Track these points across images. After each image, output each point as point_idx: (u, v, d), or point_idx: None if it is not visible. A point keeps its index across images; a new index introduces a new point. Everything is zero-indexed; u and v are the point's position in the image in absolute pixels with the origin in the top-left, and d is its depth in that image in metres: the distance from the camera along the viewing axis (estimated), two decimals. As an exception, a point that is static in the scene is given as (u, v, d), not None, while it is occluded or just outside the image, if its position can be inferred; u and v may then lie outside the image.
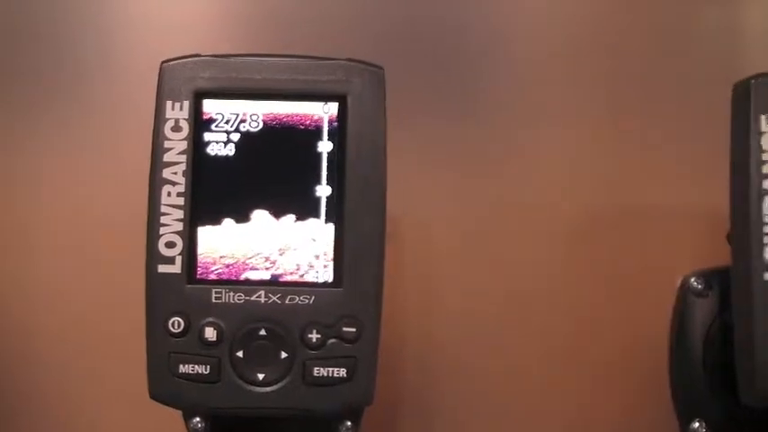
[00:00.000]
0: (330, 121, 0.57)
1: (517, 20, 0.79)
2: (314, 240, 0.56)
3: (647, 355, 0.72)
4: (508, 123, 0.77)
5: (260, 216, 0.56)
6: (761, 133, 0.57)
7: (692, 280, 0.68)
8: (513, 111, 0.77)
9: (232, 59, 0.57)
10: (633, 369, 0.75)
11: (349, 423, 0.61)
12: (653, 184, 0.76)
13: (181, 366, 0.55)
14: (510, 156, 0.77)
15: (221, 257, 0.56)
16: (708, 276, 0.68)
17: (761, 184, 0.56)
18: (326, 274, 0.56)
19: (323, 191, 0.57)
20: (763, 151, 0.57)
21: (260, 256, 0.56)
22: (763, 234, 0.56)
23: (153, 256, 0.55)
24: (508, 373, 0.75)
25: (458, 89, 0.78)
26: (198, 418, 0.59)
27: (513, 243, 0.76)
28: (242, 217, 0.56)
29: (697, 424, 0.67)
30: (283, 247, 0.56)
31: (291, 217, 0.56)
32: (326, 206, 0.56)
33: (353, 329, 0.55)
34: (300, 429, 0.62)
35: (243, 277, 0.56)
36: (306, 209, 0.56)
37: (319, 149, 0.57)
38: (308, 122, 0.57)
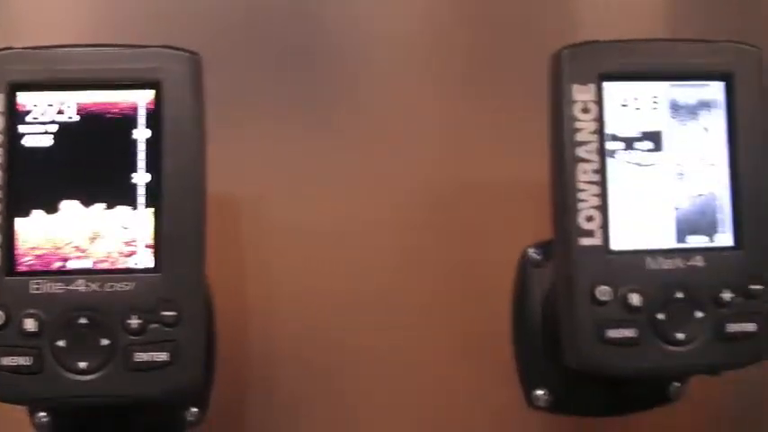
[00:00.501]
0: (147, 109, 0.57)
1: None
2: (125, 228, 0.56)
3: (495, 327, 0.71)
4: (347, 100, 0.76)
5: (69, 206, 0.56)
6: (573, 102, 0.59)
7: (531, 251, 0.70)
8: (352, 88, 0.77)
9: (45, 51, 0.56)
10: (482, 341, 0.74)
11: (195, 409, 0.65)
12: (496, 160, 0.74)
13: (3, 359, 0.54)
14: (350, 131, 0.76)
15: (33, 249, 0.56)
16: (546, 247, 0.68)
17: (574, 151, 0.59)
18: (147, 261, 0.56)
19: (140, 178, 0.56)
20: (575, 120, 0.59)
21: (70, 245, 0.56)
22: (577, 200, 0.58)
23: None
24: (356, 350, 0.74)
25: (299, 62, 0.76)
26: (43, 413, 0.60)
27: (354, 219, 0.75)
28: (51, 208, 0.56)
29: (540, 392, 0.70)
30: (93, 236, 0.56)
31: (102, 205, 0.56)
32: (145, 192, 0.56)
33: (173, 313, 0.55)
34: (149, 418, 0.64)
35: (62, 267, 0.56)
36: (118, 196, 0.56)
37: (135, 137, 0.57)
38: (123, 110, 0.57)
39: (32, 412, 0.61)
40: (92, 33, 0.71)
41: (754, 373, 0.63)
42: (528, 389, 0.70)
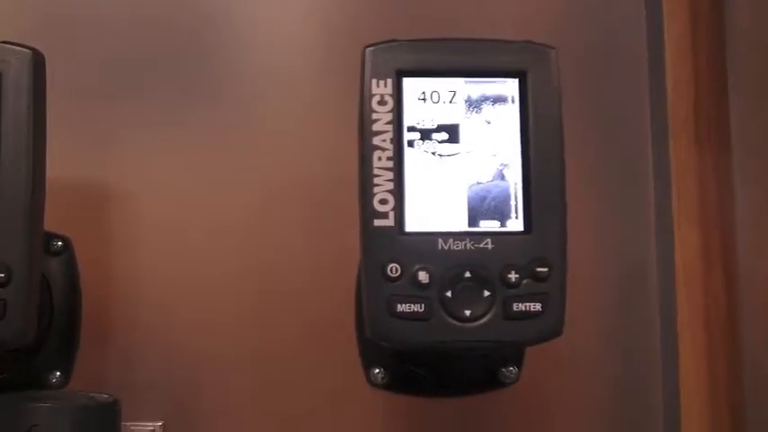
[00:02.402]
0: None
1: None
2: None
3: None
4: (231, 97, 0.83)
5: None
6: (372, 95, 0.64)
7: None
8: (231, 84, 0.83)
9: None
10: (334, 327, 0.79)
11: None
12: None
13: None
14: (225, 127, 0.83)
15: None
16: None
17: (371, 140, 0.64)
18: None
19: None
20: (373, 111, 0.64)
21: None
22: (373, 185, 0.63)
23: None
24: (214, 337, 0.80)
25: (179, 59, 0.83)
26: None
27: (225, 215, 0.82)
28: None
29: (376, 370, 0.75)
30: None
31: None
32: None
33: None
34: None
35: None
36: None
37: None
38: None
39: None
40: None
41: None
42: (366, 367, 0.75)
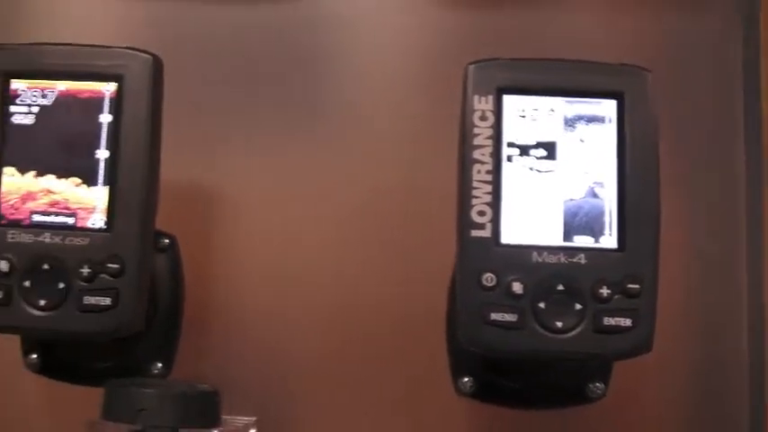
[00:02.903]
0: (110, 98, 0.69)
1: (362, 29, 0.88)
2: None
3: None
4: (333, 111, 0.87)
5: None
6: (473, 111, 0.67)
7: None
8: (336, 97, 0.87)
9: (33, 47, 0.70)
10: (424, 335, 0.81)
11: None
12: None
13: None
14: (331, 139, 0.86)
15: None
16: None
17: (471, 153, 0.66)
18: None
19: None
20: (474, 126, 0.66)
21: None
22: (471, 197, 0.66)
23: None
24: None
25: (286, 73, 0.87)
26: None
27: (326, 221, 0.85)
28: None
29: (465, 379, 0.75)
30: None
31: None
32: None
33: None
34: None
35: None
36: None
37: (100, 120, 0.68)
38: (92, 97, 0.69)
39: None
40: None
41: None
42: (455, 376, 0.76)
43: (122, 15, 0.88)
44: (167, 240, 0.79)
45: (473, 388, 0.76)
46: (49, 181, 0.69)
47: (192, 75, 0.85)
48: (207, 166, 0.85)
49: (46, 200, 0.69)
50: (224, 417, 0.71)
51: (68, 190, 0.69)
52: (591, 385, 0.75)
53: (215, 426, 0.68)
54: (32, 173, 0.69)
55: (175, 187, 0.78)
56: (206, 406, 0.68)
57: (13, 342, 0.77)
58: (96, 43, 0.71)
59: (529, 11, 0.87)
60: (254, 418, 0.75)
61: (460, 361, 0.76)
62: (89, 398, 0.70)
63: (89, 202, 0.69)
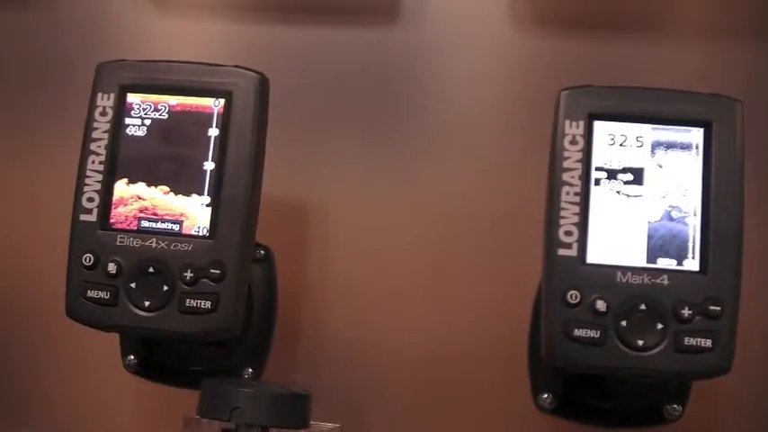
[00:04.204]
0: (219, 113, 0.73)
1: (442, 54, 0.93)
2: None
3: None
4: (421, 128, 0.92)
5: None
6: (564, 135, 0.69)
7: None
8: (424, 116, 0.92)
9: (148, 63, 0.75)
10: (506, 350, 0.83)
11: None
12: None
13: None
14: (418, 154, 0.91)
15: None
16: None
17: (561, 176, 0.69)
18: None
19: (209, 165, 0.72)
20: (564, 149, 0.69)
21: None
22: (559, 217, 0.68)
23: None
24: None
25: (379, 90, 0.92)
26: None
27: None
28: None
29: (545, 395, 0.77)
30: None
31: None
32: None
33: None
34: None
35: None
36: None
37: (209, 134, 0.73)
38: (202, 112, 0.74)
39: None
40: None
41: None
42: (535, 392, 0.78)
43: (231, 36, 0.92)
44: (263, 251, 0.82)
45: (552, 404, 0.77)
46: (158, 189, 0.74)
47: (293, 92, 0.90)
48: (304, 181, 0.90)
49: (153, 207, 0.73)
50: (312, 422, 0.74)
51: (175, 199, 0.73)
52: (668, 406, 0.76)
53: (305, 427, 0.71)
54: (143, 182, 0.74)
55: (273, 200, 0.82)
56: (297, 407, 0.71)
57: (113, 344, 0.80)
58: (206, 61, 0.75)
59: (620, 40, 0.89)
60: (338, 425, 0.78)
61: (541, 377, 0.78)
62: (182, 398, 0.73)
63: (194, 211, 0.73)
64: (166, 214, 0.73)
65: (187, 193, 0.73)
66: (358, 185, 0.90)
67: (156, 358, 0.81)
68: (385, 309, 0.87)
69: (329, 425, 0.78)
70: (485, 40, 0.92)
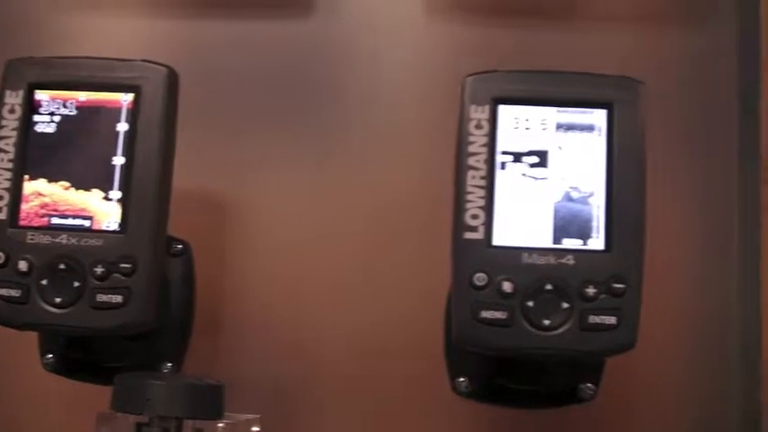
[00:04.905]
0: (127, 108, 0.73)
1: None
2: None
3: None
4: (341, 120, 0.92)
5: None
6: (469, 120, 0.70)
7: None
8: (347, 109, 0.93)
9: (57, 59, 0.75)
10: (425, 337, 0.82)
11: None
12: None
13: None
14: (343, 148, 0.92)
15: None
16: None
17: (466, 160, 0.70)
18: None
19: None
20: (470, 134, 0.70)
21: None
22: (466, 201, 0.69)
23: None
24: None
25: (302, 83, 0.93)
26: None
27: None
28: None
29: (462, 379, 0.77)
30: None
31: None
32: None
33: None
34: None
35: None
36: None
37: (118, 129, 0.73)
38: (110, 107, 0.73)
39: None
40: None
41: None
42: (452, 376, 0.79)
43: (143, 32, 0.93)
44: (181, 246, 0.82)
45: (469, 388, 0.78)
46: (67, 186, 0.73)
47: (210, 88, 0.90)
48: (223, 175, 0.90)
49: (63, 204, 0.73)
50: (230, 414, 0.74)
51: (85, 195, 0.73)
52: (582, 386, 0.77)
53: (219, 418, 0.71)
54: (44, 178, 0.74)
55: (193, 195, 0.82)
56: (211, 398, 0.71)
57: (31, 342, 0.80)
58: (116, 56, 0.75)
59: (534, 27, 0.90)
60: (258, 415, 0.78)
61: (457, 361, 0.79)
62: (103, 395, 0.73)
63: (104, 206, 0.73)
64: (68, 210, 0.73)
65: (89, 188, 0.73)
66: (277, 178, 0.90)
67: (75, 356, 0.80)
68: (305, 301, 0.88)
69: (249, 416, 0.78)
70: (400, 29, 0.92)
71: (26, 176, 0.74)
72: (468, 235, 0.70)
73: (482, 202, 0.70)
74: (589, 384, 0.78)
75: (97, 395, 0.75)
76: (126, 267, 0.71)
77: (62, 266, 0.72)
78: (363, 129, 0.91)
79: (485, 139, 0.71)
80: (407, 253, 0.88)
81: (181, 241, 0.83)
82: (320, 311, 0.88)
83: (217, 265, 0.88)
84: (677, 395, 0.86)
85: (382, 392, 0.87)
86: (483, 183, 0.70)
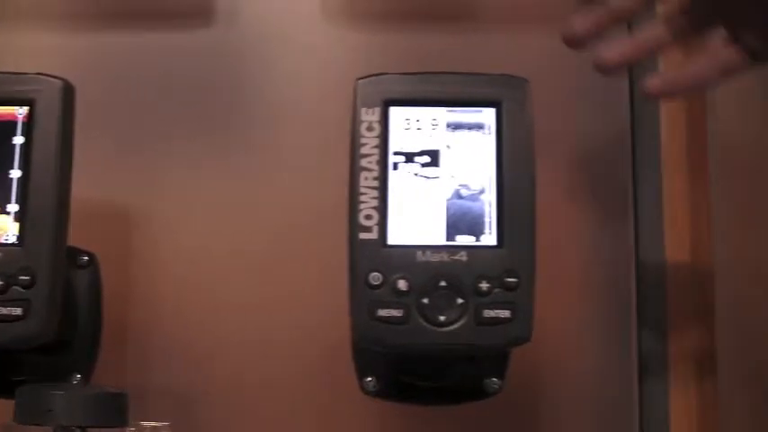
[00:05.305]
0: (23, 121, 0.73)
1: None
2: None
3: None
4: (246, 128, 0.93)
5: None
6: (361, 122, 0.71)
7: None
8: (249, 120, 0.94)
9: None
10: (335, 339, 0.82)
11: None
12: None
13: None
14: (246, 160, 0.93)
15: None
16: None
17: (359, 162, 0.71)
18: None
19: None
20: (362, 136, 0.71)
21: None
22: (359, 202, 0.70)
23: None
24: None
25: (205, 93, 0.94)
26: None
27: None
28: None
29: (369, 379, 0.79)
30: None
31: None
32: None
33: None
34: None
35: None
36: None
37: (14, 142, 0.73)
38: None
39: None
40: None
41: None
42: (360, 376, 0.80)
43: (39, 44, 0.93)
44: (86, 257, 0.83)
45: (377, 387, 0.79)
46: (-36, 200, 0.73)
47: (112, 98, 0.92)
48: (128, 186, 0.90)
49: (-39, 218, 0.73)
50: (138, 422, 0.75)
51: (-17, 208, 0.73)
52: (487, 380, 0.78)
53: (123, 426, 0.71)
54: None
55: (97, 207, 0.82)
56: (114, 407, 0.71)
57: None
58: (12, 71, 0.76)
59: (430, 30, 0.92)
60: (167, 423, 0.78)
61: (364, 362, 0.80)
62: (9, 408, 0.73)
63: (2, 220, 0.73)
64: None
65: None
66: (181, 186, 0.91)
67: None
68: (214, 308, 0.88)
69: (157, 423, 0.78)
70: (299, 35, 0.94)
71: None
72: (363, 235, 0.71)
73: (375, 203, 0.71)
74: (494, 378, 0.79)
75: (2, 409, 0.75)
76: (25, 280, 0.71)
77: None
78: (265, 135, 0.92)
79: (376, 141, 0.72)
80: (316, 258, 0.88)
81: (87, 253, 0.83)
82: (229, 318, 0.88)
83: (124, 276, 0.88)
84: (582, 380, 0.88)
85: (293, 397, 0.87)
86: (376, 183, 0.71)
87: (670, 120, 0.91)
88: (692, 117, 0.91)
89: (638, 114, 0.93)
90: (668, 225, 0.91)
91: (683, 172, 0.91)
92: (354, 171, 0.72)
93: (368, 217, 0.71)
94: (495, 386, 0.79)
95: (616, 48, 0.70)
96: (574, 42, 0.71)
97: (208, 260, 0.89)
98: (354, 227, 0.71)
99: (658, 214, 0.91)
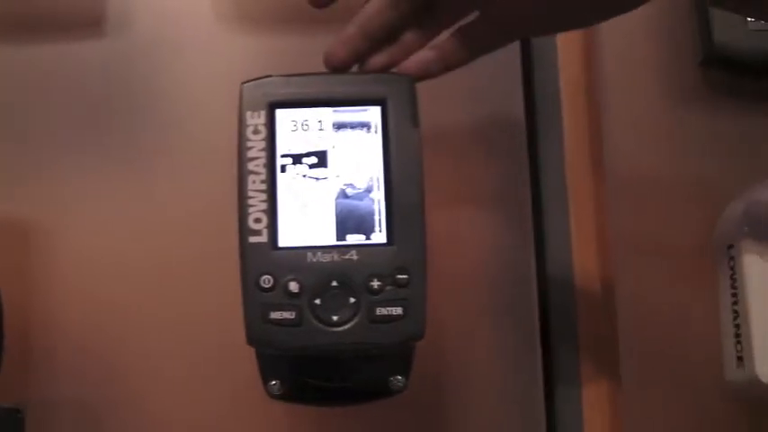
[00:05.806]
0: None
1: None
2: None
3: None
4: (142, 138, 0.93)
5: None
6: (247, 125, 0.71)
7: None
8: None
9: None
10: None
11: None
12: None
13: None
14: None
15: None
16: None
17: (246, 165, 0.71)
18: None
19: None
20: (248, 140, 0.71)
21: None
22: (248, 206, 0.70)
23: None
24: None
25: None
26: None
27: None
28: None
29: (273, 382, 0.78)
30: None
31: None
32: None
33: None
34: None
35: None
36: None
37: None
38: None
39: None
40: None
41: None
42: (264, 379, 0.79)
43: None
44: (-17, 273, 0.82)
45: (281, 390, 0.79)
46: None
47: (7, 114, 0.91)
48: (24, 200, 0.89)
49: None
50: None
51: None
52: (392, 378, 0.78)
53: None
54: None
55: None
56: (8, 423, 0.71)
57: None
58: None
59: (323, 32, 0.92)
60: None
61: (268, 364, 0.79)
62: None
63: None
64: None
65: None
66: (79, 198, 0.90)
67: None
68: (118, 321, 0.87)
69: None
70: (191, 42, 0.93)
71: None
72: (253, 239, 0.71)
73: (264, 206, 0.71)
74: (399, 377, 0.79)
75: None
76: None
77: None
78: (164, 144, 0.92)
79: (263, 144, 0.72)
80: (219, 260, 0.87)
81: (-17, 269, 0.82)
82: (134, 330, 0.87)
83: (25, 291, 0.87)
84: (488, 374, 0.89)
85: (203, 408, 0.87)
86: (264, 187, 0.71)
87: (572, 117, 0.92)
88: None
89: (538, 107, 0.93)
90: (573, 214, 0.91)
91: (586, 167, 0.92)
92: (242, 175, 0.72)
93: (257, 220, 0.71)
94: (400, 384, 0.79)
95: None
96: (338, 69, 0.74)
97: (112, 271, 0.88)
98: (244, 231, 0.71)
99: (561, 205, 0.91)
